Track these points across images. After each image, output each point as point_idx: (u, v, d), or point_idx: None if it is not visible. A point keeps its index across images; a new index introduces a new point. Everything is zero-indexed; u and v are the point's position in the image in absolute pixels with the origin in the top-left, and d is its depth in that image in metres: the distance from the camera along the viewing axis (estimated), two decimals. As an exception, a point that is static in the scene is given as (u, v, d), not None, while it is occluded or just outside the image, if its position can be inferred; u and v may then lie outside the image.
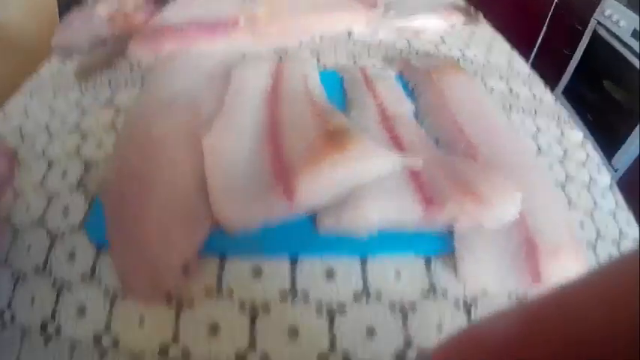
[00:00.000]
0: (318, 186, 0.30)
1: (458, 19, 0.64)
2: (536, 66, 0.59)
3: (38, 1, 0.64)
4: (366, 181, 0.31)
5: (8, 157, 0.33)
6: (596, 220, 0.38)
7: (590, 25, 1.09)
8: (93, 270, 0.30)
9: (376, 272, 0.30)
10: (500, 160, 0.37)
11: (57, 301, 0.29)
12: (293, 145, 0.33)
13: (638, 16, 0.94)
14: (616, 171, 0.98)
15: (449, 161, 0.35)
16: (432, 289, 0.30)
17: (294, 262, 0.30)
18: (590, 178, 0.43)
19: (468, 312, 0.29)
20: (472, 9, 0.68)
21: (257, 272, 0.30)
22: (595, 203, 0.40)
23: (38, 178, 0.37)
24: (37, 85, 0.51)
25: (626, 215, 0.41)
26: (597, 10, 1.06)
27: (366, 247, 0.31)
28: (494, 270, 0.30)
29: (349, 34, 0.58)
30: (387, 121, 0.40)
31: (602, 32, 1.05)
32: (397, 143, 0.37)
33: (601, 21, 1.05)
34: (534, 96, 0.52)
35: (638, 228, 0.40)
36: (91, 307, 0.29)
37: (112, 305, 0.29)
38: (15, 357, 0.27)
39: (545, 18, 1.27)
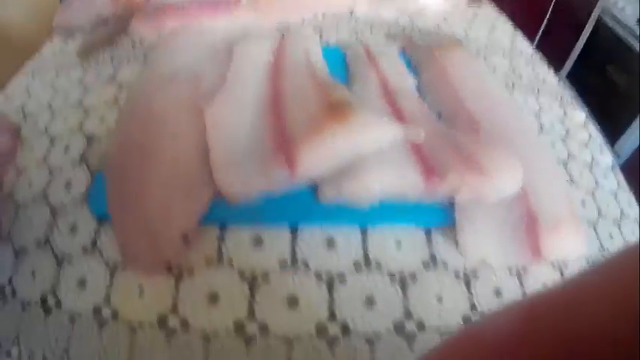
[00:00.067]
0: (320, 156, 0.30)
1: (461, -1, 0.64)
2: (540, 50, 0.58)
3: (38, 1, 0.64)
4: (368, 151, 0.31)
5: (11, 134, 0.34)
6: (597, 200, 0.38)
7: (594, 10, 1.08)
8: (94, 242, 0.30)
9: (376, 242, 0.30)
10: (502, 136, 0.36)
11: (58, 275, 0.29)
12: (295, 117, 0.33)
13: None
14: (618, 157, 0.97)
15: (451, 134, 0.35)
16: (432, 260, 0.30)
17: (294, 231, 0.30)
18: (592, 158, 0.43)
19: (468, 283, 0.29)
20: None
21: (257, 241, 0.30)
22: (596, 183, 0.40)
23: (41, 154, 0.37)
24: (39, 64, 0.51)
25: (627, 196, 0.41)
26: (602, -5, 1.05)
27: (366, 217, 0.31)
28: (495, 242, 0.30)
29: (351, 12, 0.58)
30: (389, 95, 0.40)
31: (607, 18, 1.04)
32: (399, 116, 0.37)
33: (606, 7, 1.04)
34: (537, 76, 0.52)
35: (638, 209, 0.40)
36: (92, 279, 0.29)
37: (112, 277, 0.29)
38: (16, 331, 0.28)
39: (550, 3, 1.26)
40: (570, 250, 0.32)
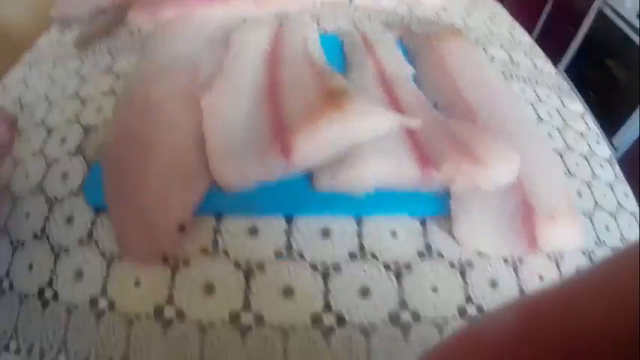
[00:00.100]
0: (316, 144, 0.30)
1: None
2: (540, 42, 0.58)
3: (38, 1, 0.63)
4: (364, 140, 0.31)
5: (8, 125, 0.33)
6: (594, 191, 0.38)
7: (594, 3, 1.07)
8: (90, 233, 0.31)
9: (372, 232, 0.30)
10: (499, 126, 0.36)
11: (54, 266, 0.29)
12: (292, 105, 0.33)
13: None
14: (617, 150, 0.97)
15: (447, 123, 0.35)
16: (427, 250, 0.30)
17: (289, 221, 0.30)
18: (590, 149, 0.43)
19: (463, 274, 0.29)
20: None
21: (253, 231, 0.30)
22: (593, 174, 0.40)
23: (37, 145, 0.37)
24: (36, 56, 0.50)
25: (624, 188, 0.41)
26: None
27: (362, 206, 0.31)
28: (490, 232, 0.30)
29: (350, 0, 0.57)
30: (385, 83, 0.40)
31: (607, 11, 1.03)
32: (395, 105, 0.37)
33: (606, 0, 1.04)
34: (535, 66, 0.51)
35: (636, 202, 0.40)
36: (88, 270, 0.29)
37: (108, 268, 0.29)
38: (13, 323, 0.28)
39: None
40: (567, 240, 0.32)
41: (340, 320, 0.27)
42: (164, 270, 0.28)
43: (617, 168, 0.43)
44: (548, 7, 1.27)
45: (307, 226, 0.30)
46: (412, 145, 0.32)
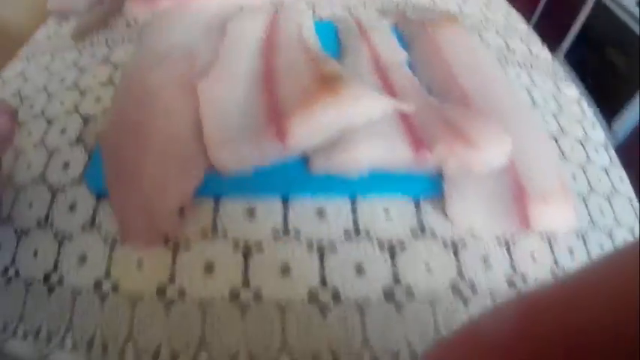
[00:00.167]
0: (310, 128, 0.31)
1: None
2: (538, 29, 0.58)
3: (40, 1, 0.63)
4: (358, 123, 0.31)
5: (9, 117, 0.34)
6: (588, 174, 0.39)
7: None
8: (93, 219, 0.31)
9: (366, 212, 0.31)
10: (493, 110, 0.37)
11: (59, 252, 0.30)
12: (287, 91, 0.34)
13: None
14: (615, 136, 0.98)
15: (440, 107, 0.35)
16: (420, 229, 0.31)
17: (286, 202, 0.31)
18: (585, 134, 0.43)
19: (456, 252, 0.30)
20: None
21: (250, 212, 0.31)
22: (588, 157, 0.41)
23: (38, 136, 0.38)
24: (34, 48, 0.51)
25: (619, 172, 0.41)
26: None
27: (356, 187, 0.31)
28: (482, 211, 0.31)
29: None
30: (380, 69, 0.40)
31: (606, 0, 1.03)
32: (390, 90, 0.37)
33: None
34: (531, 52, 0.52)
35: (631, 186, 0.40)
36: (92, 255, 0.30)
37: (111, 252, 0.30)
38: (20, 308, 0.29)
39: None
40: (559, 221, 0.32)
41: (336, 297, 0.28)
42: (166, 251, 0.29)
43: (613, 152, 0.43)
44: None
45: (303, 206, 0.31)
46: (406, 128, 0.33)
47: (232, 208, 0.31)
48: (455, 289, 0.29)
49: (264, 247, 0.29)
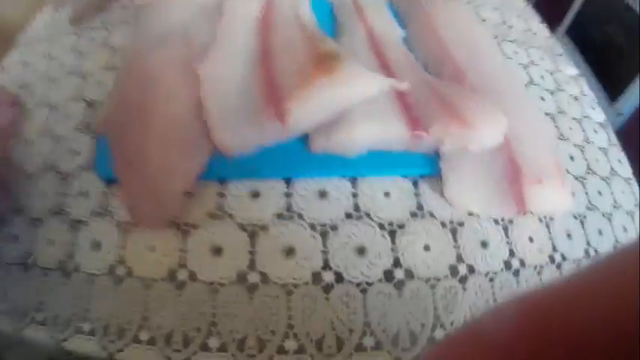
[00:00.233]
0: (308, 108, 0.31)
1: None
2: (540, 5, 0.57)
3: (40, 1, 0.62)
4: (355, 102, 0.31)
5: (13, 105, 0.34)
6: (586, 155, 0.39)
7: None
8: (104, 205, 0.32)
9: (366, 193, 0.32)
10: (488, 87, 0.37)
11: (73, 240, 0.31)
12: (284, 70, 0.34)
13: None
14: (619, 115, 0.96)
15: (436, 85, 0.36)
16: (419, 210, 0.32)
17: (288, 183, 0.32)
18: (583, 113, 0.44)
19: (454, 233, 0.31)
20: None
21: (255, 194, 0.32)
22: (586, 138, 0.41)
23: (44, 124, 0.38)
24: (32, 36, 0.51)
25: (618, 154, 0.42)
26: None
27: (356, 168, 0.32)
28: (479, 192, 0.32)
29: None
30: (375, 46, 0.40)
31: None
32: (385, 67, 0.38)
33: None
34: (529, 29, 0.52)
35: (630, 168, 0.41)
36: (105, 241, 0.31)
37: (124, 237, 0.31)
38: (38, 297, 0.30)
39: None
40: (555, 202, 0.33)
41: (338, 277, 0.29)
42: (176, 235, 0.30)
43: (612, 133, 0.43)
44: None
45: (305, 188, 0.32)
46: (402, 107, 0.33)
47: (237, 190, 0.32)
48: (453, 270, 0.30)
49: (269, 229, 0.30)
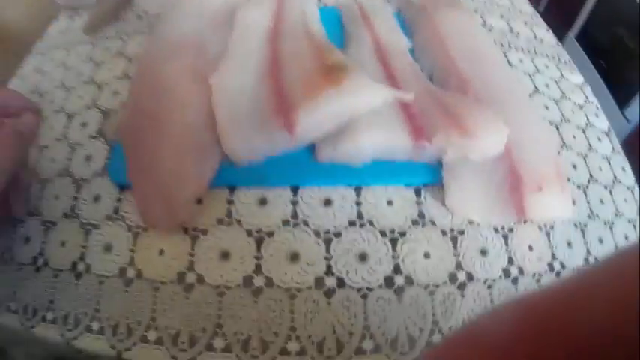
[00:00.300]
0: (316, 119, 0.32)
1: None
2: (548, 10, 0.57)
3: (40, 1, 0.63)
4: (360, 112, 0.32)
5: (34, 112, 0.35)
6: (589, 163, 0.40)
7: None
8: (116, 210, 0.34)
9: (370, 201, 0.33)
10: (492, 96, 0.38)
11: (85, 242, 0.33)
12: (292, 80, 0.35)
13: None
14: (628, 122, 0.96)
15: (440, 95, 0.36)
16: (420, 218, 0.32)
17: (295, 191, 0.33)
18: (587, 121, 0.44)
19: (454, 241, 0.32)
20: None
21: (262, 201, 0.33)
22: (590, 146, 0.41)
23: (60, 131, 0.40)
24: (48, 44, 0.52)
25: (621, 162, 0.42)
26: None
27: (361, 177, 0.33)
28: (480, 201, 0.33)
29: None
30: (382, 55, 0.41)
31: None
32: (391, 77, 0.39)
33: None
34: (535, 36, 0.52)
35: (633, 177, 0.40)
36: (117, 244, 0.32)
37: (134, 240, 0.32)
38: (49, 295, 0.31)
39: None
40: (555, 210, 0.33)
41: (340, 282, 0.30)
42: (185, 239, 0.31)
43: (616, 141, 0.43)
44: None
45: (311, 196, 0.33)
46: (406, 117, 0.34)
47: (246, 198, 0.33)
48: (452, 278, 0.31)
49: (275, 235, 0.31)
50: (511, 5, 0.56)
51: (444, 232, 0.32)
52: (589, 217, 0.36)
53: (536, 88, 0.45)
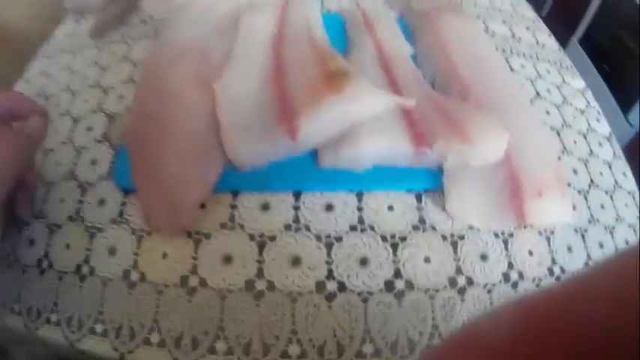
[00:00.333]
0: (318, 125, 0.32)
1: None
2: (552, 14, 0.57)
3: (40, 1, 0.64)
4: (362, 119, 0.33)
5: (42, 116, 0.36)
6: (590, 168, 0.40)
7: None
8: (121, 214, 0.34)
9: (371, 206, 0.33)
10: (494, 102, 0.38)
11: (89, 245, 0.33)
12: (295, 86, 0.36)
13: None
14: (632, 126, 0.95)
15: (441, 101, 0.37)
16: (421, 223, 0.33)
17: (297, 196, 0.34)
18: (589, 126, 0.44)
19: (455, 246, 0.32)
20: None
21: (265, 206, 0.33)
22: (591, 151, 0.41)
23: (65, 134, 0.40)
24: (54, 47, 0.53)
25: (622, 167, 0.42)
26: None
27: (362, 182, 0.34)
28: (480, 206, 0.33)
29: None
30: (384, 62, 0.42)
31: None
32: (393, 83, 0.39)
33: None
34: (537, 41, 0.52)
35: (634, 182, 0.41)
36: (121, 247, 0.33)
37: (138, 244, 0.32)
38: (53, 298, 0.32)
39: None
40: (555, 215, 0.34)
41: (341, 287, 0.30)
42: (188, 243, 0.32)
43: (617, 146, 0.44)
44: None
45: (313, 201, 0.33)
46: (407, 123, 0.34)
47: (249, 202, 0.33)
48: (452, 283, 0.31)
49: (277, 240, 0.32)
50: (513, 10, 0.57)
51: (444, 237, 0.32)
52: (590, 221, 0.36)
53: (537, 93, 0.45)
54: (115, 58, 0.48)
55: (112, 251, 0.33)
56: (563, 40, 0.55)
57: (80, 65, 0.48)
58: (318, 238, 0.32)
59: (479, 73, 0.41)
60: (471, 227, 0.33)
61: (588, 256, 0.34)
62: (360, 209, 0.33)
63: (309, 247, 0.31)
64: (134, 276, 0.31)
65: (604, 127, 0.45)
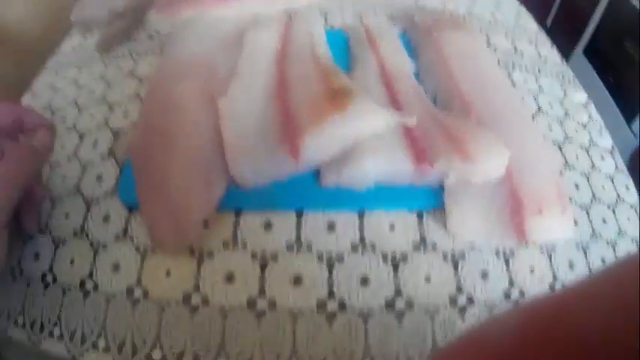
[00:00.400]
0: (321, 144, 0.33)
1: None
2: (556, 24, 0.57)
3: (42, 2, 0.65)
4: (364, 137, 0.33)
5: (49, 129, 0.36)
6: (592, 182, 0.40)
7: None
8: (125, 230, 0.34)
9: (372, 225, 0.33)
10: (494, 117, 0.38)
11: (94, 261, 0.33)
12: (299, 103, 0.36)
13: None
14: (635, 136, 0.95)
15: (442, 118, 0.37)
16: (422, 242, 0.33)
17: (299, 215, 0.34)
18: (591, 140, 0.44)
19: (455, 265, 0.32)
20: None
21: (267, 225, 0.33)
22: (593, 165, 0.41)
23: (71, 149, 0.41)
24: (61, 61, 0.54)
25: (625, 180, 0.41)
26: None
27: (363, 202, 0.34)
28: (481, 224, 0.33)
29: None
30: (386, 78, 0.42)
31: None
32: (394, 100, 0.39)
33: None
34: (539, 55, 0.52)
35: (637, 195, 0.40)
36: (124, 263, 0.33)
37: (142, 261, 0.33)
38: (57, 312, 0.32)
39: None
40: (556, 232, 0.34)
41: (342, 306, 0.30)
42: (191, 261, 0.32)
43: (620, 159, 0.43)
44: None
45: (315, 220, 0.34)
46: (408, 141, 0.35)
47: (251, 221, 0.34)
48: (453, 301, 0.31)
49: (279, 259, 0.32)
50: (516, 23, 0.57)
51: (445, 256, 0.32)
52: (591, 236, 0.36)
53: (539, 108, 0.45)
54: (122, 74, 0.48)
55: (116, 267, 0.33)
56: (567, 51, 0.54)
57: (86, 79, 0.49)
58: (320, 257, 0.32)
59: (480, 89, 0.41)
60: (472, 246, 0.33)
61: (590, 271, 0.34)
62: (361, 228, 0.33)
63: (310, 267, 0.32)
64: (137, 292, 0.32)
65: (606, 140, 0.45)
